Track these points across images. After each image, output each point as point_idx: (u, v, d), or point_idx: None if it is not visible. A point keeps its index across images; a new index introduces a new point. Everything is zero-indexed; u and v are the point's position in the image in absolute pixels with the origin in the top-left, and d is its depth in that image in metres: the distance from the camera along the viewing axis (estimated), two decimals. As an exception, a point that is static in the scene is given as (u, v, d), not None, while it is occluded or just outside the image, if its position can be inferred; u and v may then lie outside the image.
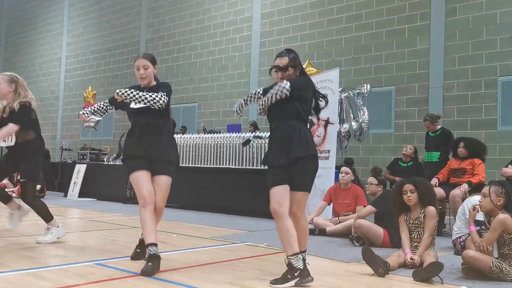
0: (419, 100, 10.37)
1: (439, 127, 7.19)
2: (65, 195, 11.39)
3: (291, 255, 3.25)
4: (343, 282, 3.41)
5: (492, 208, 3.78)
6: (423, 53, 10.38)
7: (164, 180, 3.84)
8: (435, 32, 10.26)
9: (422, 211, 4.15)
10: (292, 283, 3.19)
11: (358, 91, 8.50)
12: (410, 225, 4.18)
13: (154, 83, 4.03)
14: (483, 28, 9.72)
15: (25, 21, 21.36)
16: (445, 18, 10.16)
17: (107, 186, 10.71)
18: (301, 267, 3.23)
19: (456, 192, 5.95)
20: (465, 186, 5.97)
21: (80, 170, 11.40)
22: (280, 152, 3.40)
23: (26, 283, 3.13)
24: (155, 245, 3.63)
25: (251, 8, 13.54)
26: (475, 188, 5.96)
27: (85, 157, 12.16)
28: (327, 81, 7.53)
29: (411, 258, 3.91)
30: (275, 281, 3.22)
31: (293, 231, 3.30)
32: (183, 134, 10.00)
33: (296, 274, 3.20)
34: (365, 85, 8.68)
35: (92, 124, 12.37)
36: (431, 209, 4.11)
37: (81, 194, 11.04)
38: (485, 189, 3.87)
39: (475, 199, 4.73)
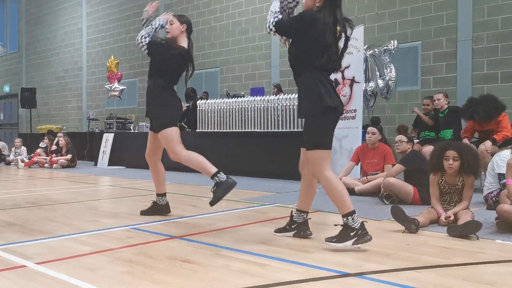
0: (447, 55, 10.07)
1: (446, 106, 6.99)
2: (95, 164, 11.66)
3: (345, 215, 3.15)
4: (376, 239, 3.42)
5: (527, 161, 3.70)
6: (451, 4, 10.00)
7: (160, 138, 4.20)
8: (463, -18, 9.83)
9: (460, 179, 3.97)
10: (349, 243, 3.10)
11: (385, 48, 8.29)
12: (444, 188, 4.04)
13: (182, 42, 4.27)
14: (514, -25, 9.27)
15: (43, -8, 21.37)
16: (473, -34, 9.71)
17: (135, 153, 10.86)
18: (358, 227, 3.12)
19: (483, 147, 5.88)
20: (488, 143, 5.91)
21: (108, 139, 11.60)
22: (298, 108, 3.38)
23: (68, 248, 3.25)
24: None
25: (270, -33, 13.20)
26: (505, 143, 5.86)
27: (111, 126, 12.33)
28: (351, 39, 7.33)
29: (446, 218, 3.86)
30: (330, 239, 3.16)
31: (341, 190, 3.18)
32: (206, 99, 10.00)
33: (352, 234, 3.11)
34: (392, 41, 8.45)
35: (116, 93, 12.47)
36: (472, 179, 3.94)
37: (111, 163, 11.27)
38: (519, 143, 3.78)
39: (505, 154, 4.65)
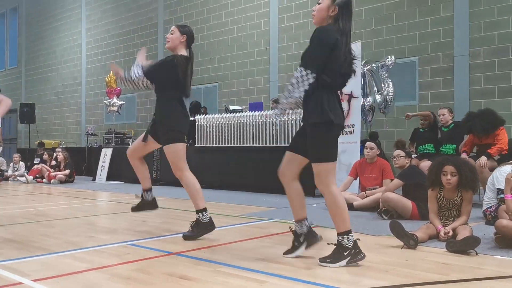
0: (444, 70, 10.13)
1: (451, 121, 7.02)
2: (94, 179, 11.63)
3: (341, 233, 3.11)
4: (374, 255, 3.41)
5: (525, 177, 3.70)
6: (447, 20, 10.10)
7: (166, 152, 4.15)
8: (459, -2, 9.95)
9: (459, 194, 3.97)
10: (343, 262, 3.07)
11: (383, 63, 8.35)
12: (442, 203, 4.03)
13: (180, 52, 4.19)
14: (509, -9, 9.38)
15: (44, 8, 21.52)
16: (469, -17, 9.83)
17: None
18: (351, 246, 3.09)
19: (478, 163, 5.89)
20: (483, 159, 5.92)
21: (106, 154, 11.59)
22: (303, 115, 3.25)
23: (65, 265, 3.23)
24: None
25: (268, -16, 13.34)
26: (505, 158, 5.87)
27: (110, 141, 12.34)
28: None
29: (445, 233, 3.85)
30: (324, 260, 3.12)
31: (343, 207, 3.11)
32: (205, 114, 10.03)
33: (345, 254, 3.08)
34: (389, 56, 8.52)
35: (115, 108, 12.50)
36: (470, 194, 3.95)
37: (109, 178, 11.24)
38: (517, 158, 3.79)
39: (505, 169, 4.66)
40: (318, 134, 3.11)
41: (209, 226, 4.11)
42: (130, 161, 4.48)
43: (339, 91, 3.33)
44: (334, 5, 3.11)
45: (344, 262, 3.09)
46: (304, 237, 3.35)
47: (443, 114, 6.99)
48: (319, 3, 3.19)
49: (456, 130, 6.88)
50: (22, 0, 22.90)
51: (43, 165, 11.51)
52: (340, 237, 3.13)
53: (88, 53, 19.26)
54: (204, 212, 4.10)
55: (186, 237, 4.04)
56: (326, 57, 3.05)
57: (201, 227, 4.08)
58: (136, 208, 4.57)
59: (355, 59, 3.23)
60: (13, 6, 23.62)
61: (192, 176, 4.17)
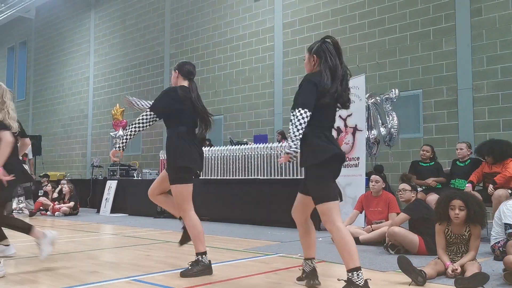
0: (447, 103, 10.19)
1: (468, 157, 6.98)
2: (98, 211, 11.59)
3: (350, 270, 3.05)
4: (381, 292, 3.35)
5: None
6: (450, 54, 10.21)
7: (172, 190, 4.14)
8: (461, 33, 10.08)
9: (467, 229, 3.93)
10: None
11: (387, 96, 8.41)
12: (450, 238, 3.98)
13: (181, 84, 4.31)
14: (510, 26, 9.51)
15: (53, 43, 21.97)
16: (470, 18, 9.98)
17: (138, 201, 10.83)
18: (361, 284, 3.01)
19: (501, 192, 5.82)
20: (490, 186, 5.91)
21: (111, 186, 11.59)
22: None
23: (67, 301, 3.19)
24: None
25: (273, 19, 13.60)
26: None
27: (115, 173, 12.36)
28: (353, 88, 7.43)
29: (453, 270, 3.79)
30: None
31: (351, 243, 3.10)
32: (209, 147, 10.07)
33: None
34: (393, 89, 8.58)
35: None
36: (479, 228, 3.91)
37: (113, 210, 11.21)
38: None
39: (511, 203, 4.61)
40: (313, 172, 3.24)
41: (206, 270, 4.02)
42: (154, 200, 4.41)
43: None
44: (312, 55, 3.40)
45: None
46: (306, 275, 3.59)
47: (461, 149, 6.94)
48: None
49: (472, 166, 6.79)
50: (31, 34, 23.41)
51: (44, 198, 11.49)
52: (349, 274, 3.05)
53: (95, 86, 19.54)
54: (204, 256, 4.04)
55: (184, 274, 3.95)
56: (315, 96, 3.21)
57: (200, 266, 3.99)
58: (182, 241, 4.41)
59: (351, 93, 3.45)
60: (22, 40, 24.14)
61: (195, 218, 4.09)
